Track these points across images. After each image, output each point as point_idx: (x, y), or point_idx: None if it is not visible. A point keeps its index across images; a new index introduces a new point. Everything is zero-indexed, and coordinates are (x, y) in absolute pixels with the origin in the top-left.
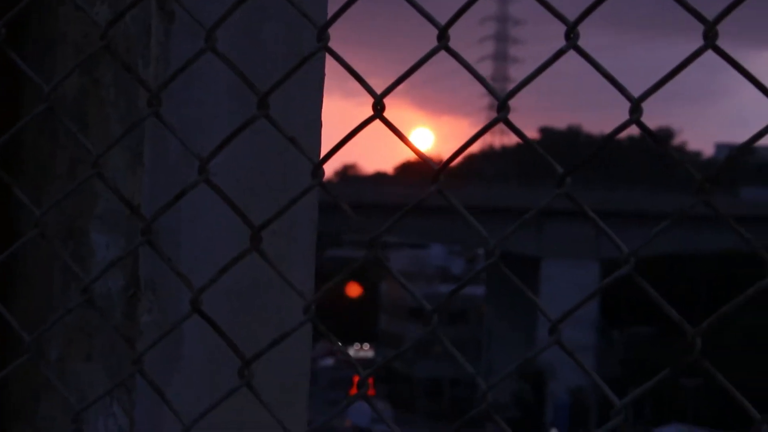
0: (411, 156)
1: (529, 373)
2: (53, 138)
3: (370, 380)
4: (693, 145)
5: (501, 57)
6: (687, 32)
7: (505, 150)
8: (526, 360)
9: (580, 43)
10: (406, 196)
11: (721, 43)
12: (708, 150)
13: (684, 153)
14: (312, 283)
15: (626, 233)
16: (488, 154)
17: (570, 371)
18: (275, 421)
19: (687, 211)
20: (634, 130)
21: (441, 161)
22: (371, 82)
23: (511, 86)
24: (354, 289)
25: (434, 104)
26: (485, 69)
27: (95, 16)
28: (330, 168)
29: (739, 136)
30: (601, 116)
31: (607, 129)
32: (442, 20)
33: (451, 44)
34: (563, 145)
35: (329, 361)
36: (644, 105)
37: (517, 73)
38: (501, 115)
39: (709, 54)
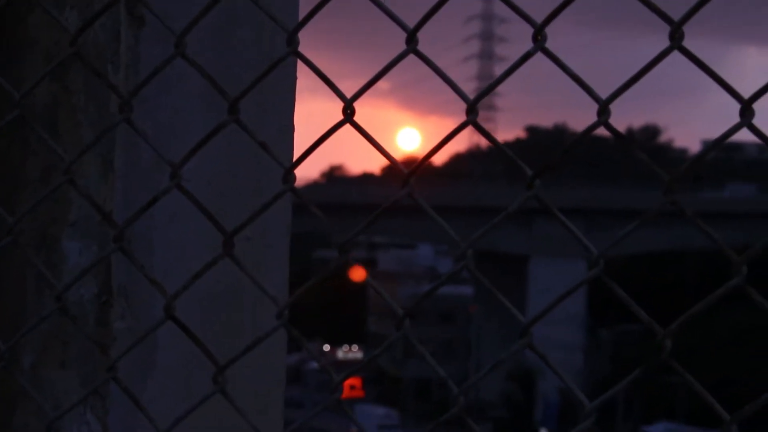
0: (398, 156)
1: (518, 373)
2: (25, 145)
3: (359, 382)
4: (679, 141)
5: (486, 56)
6: (665, 30)
7: (491, 150)
8: (497, 363)
9: (562, 41)
10: (392, 196)
11: (701, 40)
12: (694, 147)
13: (670, 150)
14: (286, 287)
15: (614, 231)
16: (475, 153)
17: (559, 371)
18: (251, 427)
19: (655, 213)
20: (619, 128)
21: (430, 163)
22: (357, 83)
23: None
24: (359, 274)
25: (421, 104)
26: (471, 68)
27: (65, 23)
28: (317, 169)
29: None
30: (587, 114)
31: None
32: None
33: (437, 44)
34: (549, 143)
35: (317, 364)
36: (631, 102)
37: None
38: (470, 118)
39: (694, 50)
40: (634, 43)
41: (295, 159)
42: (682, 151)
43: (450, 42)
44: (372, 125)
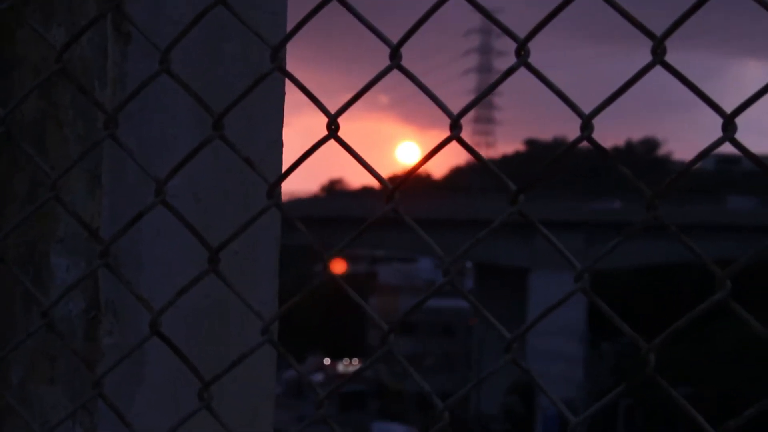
0: (397, 169)
1: (519, 387)
2: (12, 161)
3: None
4: (678, 154)
5: (485, 69)
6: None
7: (492, 163)
8: (480, 379)
9: (562, 54)
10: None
11: (701, 53)
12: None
13: (669, 162)
14: (276, 302)
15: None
16: (474, 167)
17: (559, 384)
18: None
19: (638, 228)
20: (619, 141)
21: (427, 174)
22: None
23: (496, 99)
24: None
25: (421, 118)
26: (470, 81)
27: (52, 39)
28: (317, 183)
29: (725, 146)
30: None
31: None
32: (441, 38)
33: (437, 57)
34: (549, 156)
35: (319, 377)
36: (631, 115)
37: (502, 86)
38: (453, 133)
39: (694, 64)
40: (633, 57)
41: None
42: (681, 164)
43: (450, 55)
44: (372, 139)
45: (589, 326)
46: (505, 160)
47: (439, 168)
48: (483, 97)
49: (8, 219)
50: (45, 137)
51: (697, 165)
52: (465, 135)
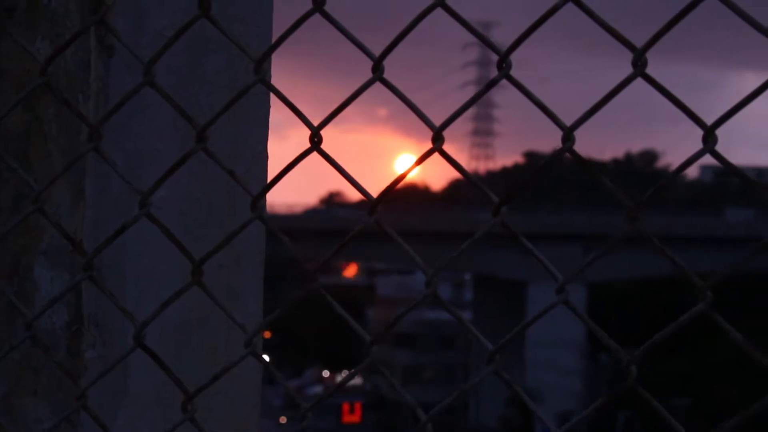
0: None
1: (519, 398)
2: None
3: (358, 407)
4: (677, 166)
5: (484, 82)
6: (664, 54)
7: (490, 174)
8: (461, 391)
9: (562, 66)
10: (390, 221)
11: (697, 66)
12: (692, 171)
13: (668, 174)
14: (260, 314)
15: (615, 257)
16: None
17: (558, 396)
18: None
19: (618, 240)
20: (618, 153)
21: (426, 186)
22: (354, 109)
23: (495, 111)
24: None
25: (419, 131)
26: (468, 94)
27: (36, 52)
28: (315, 195)
29: (726, 156)
30: (584, 140)
31: (592, 152)
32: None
33: (434, 70)
34: (547, 169)
35: (318, 389)
36: (630, 127)
37: (501, 98)
38: (436, 145)
39: (695, 76)
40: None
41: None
42: (680, 176)
43: (447, 69)
44: (370, 152)
45: (588, 338)
46: (506, 172)
47: (438, 180)
48: (464, 110)
49: None
50: (29, 150)
51: (695, 177)
52: (463, 146)
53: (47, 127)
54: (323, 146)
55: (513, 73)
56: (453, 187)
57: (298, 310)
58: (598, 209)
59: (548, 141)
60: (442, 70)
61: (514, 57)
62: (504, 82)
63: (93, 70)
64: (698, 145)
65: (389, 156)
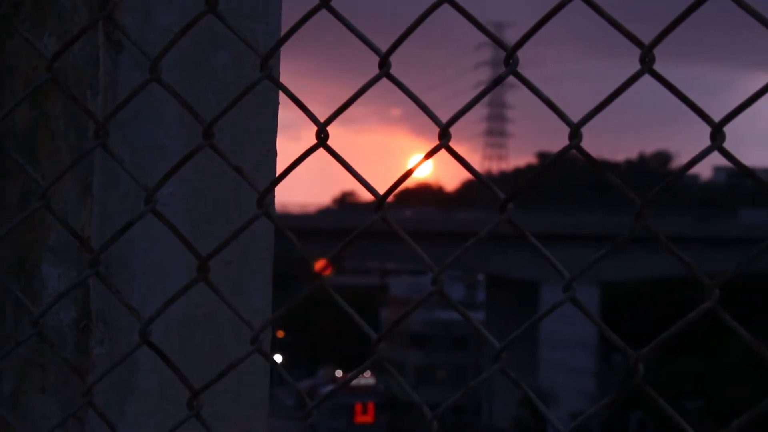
0: (410, 182)
1: (531, 399)
2: (3, 170)
3: (371, 408)
4: (685, 163)
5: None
6: (677, 56)
7: (503, 175)
8: (468, 389)
9: (572, 66)
10: (403, 221)
11: (713, 66)
12: (706, 173)
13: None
14: (269, 311)
15: (628, 257)
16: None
17: (571, 396)
18: None
19: (626, 238)
20: (632, 154)
21: (440, 187)
22: (368, 108)
23: (508, 112)
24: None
25: (432, 131)
26: None
27: (43, 49)
28: (329, 195)
29: (738, 158)
30: (598, 139)
31: (606, 152)
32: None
33: (448, 70)
34: (560, 169)
35: (329, 389)
36: (644, 128)
37: (514, 99)
38: (443, 142)
39: (708, 76)
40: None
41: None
42: (694, 177)
43: (461, 69)
44: (384, 151)
45: (601, 338)
46: (518, 173)
47: (451, 181)
48: (470, 107)
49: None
50: (36, 147)
51: (709, 179)
52: (477, 146)
53: (55, 123)
54: (334, 145)
55: (526, 72)
56: (466, 187)
57: (311, 310)
58: (612, 210)
59: (561, 141)
60: (456, 70)
61: (527, 57)
62: (517, 82)
63: (101, 66)
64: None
65: (402, 156)
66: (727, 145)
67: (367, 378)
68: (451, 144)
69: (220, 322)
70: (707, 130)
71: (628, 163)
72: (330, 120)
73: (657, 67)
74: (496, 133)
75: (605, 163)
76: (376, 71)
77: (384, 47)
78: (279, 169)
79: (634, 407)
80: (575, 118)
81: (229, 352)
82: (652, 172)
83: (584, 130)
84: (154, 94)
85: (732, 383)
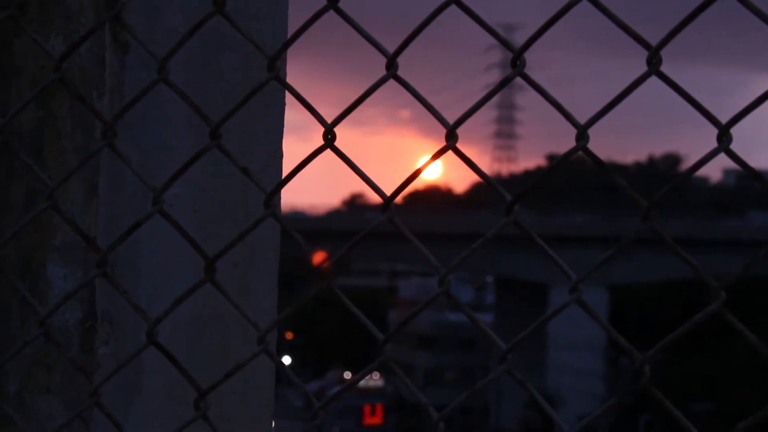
0: (419, 184)
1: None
2: (10, 170)
3: (380, 409)
4: (701, 170)
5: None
6: (688, 58)
7: (512, 177)
8: (473, 390)
9: (581, 69)
10: (413, 223)
11: (721, 69)
12: (716, 175)
13: (691, 178)
14: (275, 312)
15: (635, 258)
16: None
17: (579, 399)
18: None
19: (632, 240)
20: (641, 156)
21: (449, 189)
22: (380, 110)
23: (517, 114)
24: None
25: (441, 133)
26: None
27: (50, 49)
28: (338, 197)
29: (747, 161)
30: (607, 140)
31: (614, 154)
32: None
33: (458, 73)
34: (570, 171)
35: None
36: (653, 130)
37: (523, 101)
38: (450, 143)
39: (718, 78)
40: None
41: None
42: (703, 180)
43: (471, 71)
44: (393, 153)
45: (610, 341)
46: (528, 175)
47: (460, 183)
48: (478, 107)
49: (5, 228)
50: (43, 147)
51: (719, 181)
52: (486, 150)
53: (61, 124)
54: (344, 146)
55: (535, 74)
56: (475, 189)
57: (319, 311)
58: (621, 211)
59: (570, 143)
60: (466, 72)
61: (536, 59)
62: (526, 84)
63: (108, 67)
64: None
65: (412, 157)
66: (736, 147)
67: (375, 380)
68: (460, 146)
69: (226, 323)
70: (716, 132)
71: (637, 165)
72: (337, 121)
73: (668, 69)
74: (505, 135)
75: (614, 165)
76: (385, 72)
77: (392, 48)
78: (286, 170)
79: (642, 410)
80: (584, 120)
81: (236, 353)
82: (661, 174)
83: (593, 132)
84: (161, 95)
85: (740, 385)
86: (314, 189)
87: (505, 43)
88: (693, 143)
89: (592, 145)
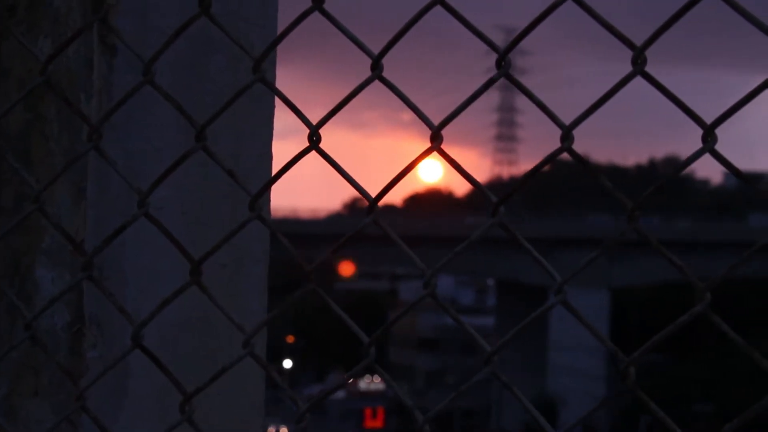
0: (419, 188)
1: (540, 403)
2: None
3: (381, 413)
4: (701, 172)
5: (508, 87)
6: (692, 60)
7: (513, 180)
8: (458, 393)
9: (582, 70)
10: (414, 227)
11: (724, 71)
12: (716, 177)
13: (692, 180)
14: (265, 314)
15: (637, 261)
16: (496, 185)
17: (581, 401)
18: None
19: (616, 241)
20: (642, 159)
21: (449, 192)
22: (379, 113)
23: (518, 117)
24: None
25: (443, 136)
26: (492, 99)
27: (38, 51)
28: (339, 200)
29: (748, 163)
30: (608, 143)
31: (615, 157)
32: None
33: (459, 75)
34: (571, 174)
35: (341, 394)
36: (654, 133)
37: (524, 104)
38: (434, 144)
39: (718, 81)
40: (658, 72)
41: (270, 187)
42: (704, 182)
43: (471, 73)
44: (394, 157)
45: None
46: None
47: (461, 186)
48: (463, 108)
49: None
50: (30, 150)
51: (719, 184)
52: (487, 153)
53: (49, 126)
54: (346, 150)
55: (538, 77)
56: (476, 192)
57: (321, 315)
58: (621, 214)
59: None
60: (469, 74)
61: (542, 61)
62: (531, 84)
63: (96, 69)
64: (722, 151)
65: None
66: (738, 149)
67: (376, 383)
68: (461, 149)
69: (215, 326)
70: (719, 135)
71: (638, 168)
72: (322, 123)
73: (668, 70)
74: (506, 138)
75: (614, 167)
76: (388, 74)
77: (389, 49)
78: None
79: (643, 411)
80: (587, 122)
81: (224, 356)
82: (662, 177)
83: (594, 135)
84: (149, 97)
85: (742, 387)
86: (315, 192)
87: (490, 45)
88: (694, 146)
89: (593, 148)
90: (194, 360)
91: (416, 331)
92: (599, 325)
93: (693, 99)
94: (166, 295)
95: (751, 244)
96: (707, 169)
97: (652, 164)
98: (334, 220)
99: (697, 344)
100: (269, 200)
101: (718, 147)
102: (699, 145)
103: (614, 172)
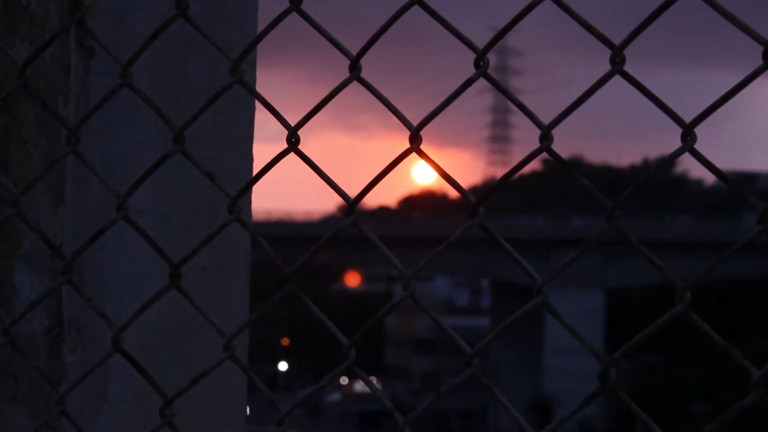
0: (413, 189)
1: (537, 403)
2: None
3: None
4: (695, 173)
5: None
6: (693, 61)
7: (508, 182)
8: (439, 394)
9: (578, 71)
10: (408, 228)
11: (717, 71)
12: (710, 177)
13: (686, 180)
14: (246, 317)
15: (631, 261)
16: (490, 186)
17: (577, 401)
18: None
19: (597, 240)
20: (636, 159)
21: (444, 193)
22: (373, 116)
23: (512, 118)
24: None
25: (437, 137)
26: (486, 100)
27: (15, 55)
28: (333, 203)
29: (742, 162)
30: (602, 144)
31: (610, 158)
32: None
33: (451, 76)
34: (564, 174)
35: (336, 396)
36: (647, 133)
37: None
38: (413, 145)
39: (712, 80)
40: (658, 72)
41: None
42: (698, 182)
43: (464, 75)
44: (388, 159)
45: (606, 344)
46: (523, 179)
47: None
48: (441, 109)
49: None
50: (8, 154)
51: (713, 184)
52: (481, 154)
53: (26, 130)
54: (342, 152)
55: (533, 78)
56: (470, 194)
57: (316, 317)
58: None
59: (566, 147)
60: (461, 77)
61: (536, 62)
62: (525, 86)
63: (73, 72)
64: (717, 151)
65: (406, 163)
66: (738, 150)
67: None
68: (457, 151)
69: (195, 329)
70: (710, 134)
71: (632, 168)
72: (300, 124)
73: (668, 70)
74: (500, 139)
75: (608, 167)
76: (379, 76)
77: (382, 50)
78: (281, 177)
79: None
80: (581, 123)
81: (205, 359)
82: (656, 177)
83: (589, 136)
84: (128, 100)
85: (740, 388)
86: (309, 195)
87: (468, 44)
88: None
89: (590, 150)
90: (175, 364)
91: (413, 333)
92: (594, 326)
93: (693, 99)
94: (147, 298)
95: (744, 244)
96: (701, 169)
97: (647, 164)
98: (328, 222)
99: (696, 345)
100: (250, 202)
101: (713, 147)
102: (697, 146)
103: (609, 172)
